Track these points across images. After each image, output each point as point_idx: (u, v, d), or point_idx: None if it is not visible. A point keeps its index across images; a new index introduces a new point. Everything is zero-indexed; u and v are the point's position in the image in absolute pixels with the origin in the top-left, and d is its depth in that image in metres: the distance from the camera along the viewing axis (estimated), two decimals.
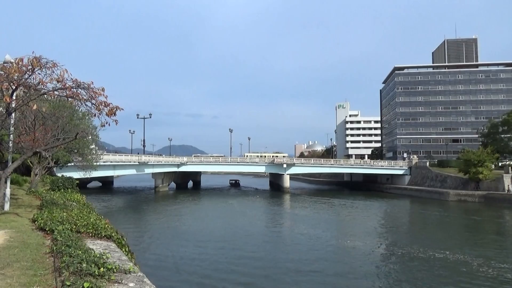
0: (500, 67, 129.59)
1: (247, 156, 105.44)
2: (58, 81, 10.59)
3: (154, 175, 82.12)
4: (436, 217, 47.13)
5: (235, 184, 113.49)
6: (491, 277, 20.14)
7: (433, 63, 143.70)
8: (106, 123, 11.16)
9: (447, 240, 31.21)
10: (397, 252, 26.16)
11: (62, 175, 31.45)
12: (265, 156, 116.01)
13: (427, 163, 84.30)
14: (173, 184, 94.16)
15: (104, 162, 53.48)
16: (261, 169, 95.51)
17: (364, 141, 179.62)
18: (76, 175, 37.09)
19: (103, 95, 10.89)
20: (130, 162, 67.19)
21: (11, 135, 14.72)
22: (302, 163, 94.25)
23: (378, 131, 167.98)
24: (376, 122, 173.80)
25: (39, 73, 10.66)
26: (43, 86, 10.84)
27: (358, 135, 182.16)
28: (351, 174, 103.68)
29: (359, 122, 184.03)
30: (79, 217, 11.95)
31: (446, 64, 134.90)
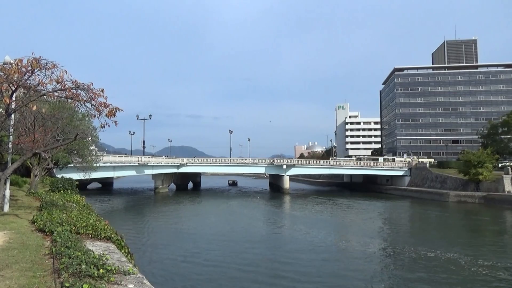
0: (500, 68, 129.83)
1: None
2: (57, 82, 10.58)
3: (154, 176, 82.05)
4: (436, 218, 47.11)
5: (233, 184, 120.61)
6: (486, 276, 20.14)
7: (433, 64, 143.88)
8: (106, 124, 11.13)
9: (447, 241, 31.16)
10: (397, 253, 26.13)
11: (62, 176, 31.45)
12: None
13: (427, 164, 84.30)
14: (173, 185, 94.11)
15: (104, 163, 53.41)
16: (261, 170, 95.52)
17: (364, 142, 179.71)
18: (76, 176, 37.10)
19: (103, 96, 10.88)
20: (130, 163, 67.13)
21: (11, 136, 14.72)
22: (302, 164, 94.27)
23: (378, 132, 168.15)
24: (376, 123, 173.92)
25: (38, 74, 10.65)
26: (43, 87, 10.83)
27: (358, 136, 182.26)
28: (351, 175, 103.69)
29: (359, 123, 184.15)
30: (79, 219, 11.94)
31: (446, 65, 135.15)
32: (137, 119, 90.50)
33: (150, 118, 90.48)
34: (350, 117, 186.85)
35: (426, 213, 51.32)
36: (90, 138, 30.00)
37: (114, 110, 10.85)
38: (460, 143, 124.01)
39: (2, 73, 10.62)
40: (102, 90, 10.95)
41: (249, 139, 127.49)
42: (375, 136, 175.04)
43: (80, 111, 23.74)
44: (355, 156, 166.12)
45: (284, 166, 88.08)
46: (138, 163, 69.10)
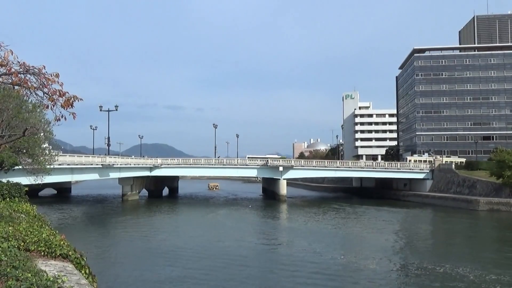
0: None
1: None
2: (1, 65, 10.49)
3: (121, 180, 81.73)
4: (463, 230, 47.60)
5: (213, 189, 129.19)
6: None
7: (460, 44, 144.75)
8: (62, 116, 11.05)
9: (477, 260, 31.47)
10: (416, 276, 26.36)
11: (8, 181, 31.14)
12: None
13: (453, 165, 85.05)
14: (144, 192, 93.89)
15: (59, 164, 53.06)
16: (252, 173, 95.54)
17: (376, 139, 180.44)
18: (25, 180, 36.76)
19: (58, 82, 10.79)
20: (92, 164, 66.78)
21: None
22: (302, 166, 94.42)
23: (394, 127, 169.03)
24: (391, 115, 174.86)
25: None
26: None
27: (370, 131, 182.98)
28: (361, 178, 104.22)
29: (370, 115, 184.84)
30: (29, 232, 11.87)
31: (476, 45, 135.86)
32: (101, 110, 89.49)
33: (117, 110, 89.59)
34: (360, 108, 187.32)
35: (451, 225, 51.83)
36: (42, 134, 29.76)
37: (72, 99, 10.77)
38: (493, 139, 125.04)
39: None
40: (57, 75, 10.86)
41: (237, 135, 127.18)
42: (390, 131, 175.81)
43: (29, 100, 23.53)
44: (366, 155, 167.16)
45: (280, 168, 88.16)
46: (102, 165, 68.74)
